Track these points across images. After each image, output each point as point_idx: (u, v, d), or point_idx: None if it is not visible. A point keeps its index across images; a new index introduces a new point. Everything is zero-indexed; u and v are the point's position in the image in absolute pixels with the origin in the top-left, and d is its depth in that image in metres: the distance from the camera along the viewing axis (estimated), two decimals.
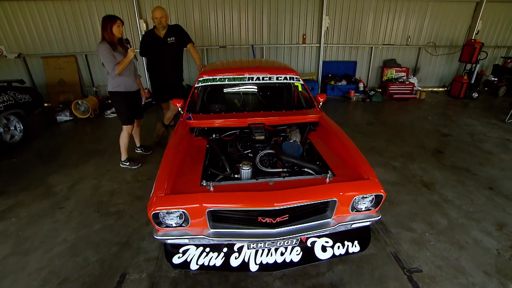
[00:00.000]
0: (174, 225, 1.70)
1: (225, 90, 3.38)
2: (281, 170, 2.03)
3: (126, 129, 3.42)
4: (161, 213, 1.63)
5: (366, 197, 1.83)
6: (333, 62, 7.15)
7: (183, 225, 1.70)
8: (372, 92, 6.70)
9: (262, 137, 2.36)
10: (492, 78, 7.42)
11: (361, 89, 6.94)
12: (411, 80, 7.12)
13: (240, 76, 2.91)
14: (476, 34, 7.27)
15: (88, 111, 5.60)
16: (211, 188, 1.69)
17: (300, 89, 3.12)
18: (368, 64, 7.38)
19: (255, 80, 2.92)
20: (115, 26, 3.00)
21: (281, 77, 2.99)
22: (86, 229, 2.52)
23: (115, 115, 5.73)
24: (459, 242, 2.36)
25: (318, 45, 6.87)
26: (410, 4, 6.86)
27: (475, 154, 4.02)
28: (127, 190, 3.12)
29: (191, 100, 2.95)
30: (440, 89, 7.91)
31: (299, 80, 3.07)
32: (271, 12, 6.46)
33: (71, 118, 5.55)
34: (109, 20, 2.99)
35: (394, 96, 6.88)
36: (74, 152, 4.14)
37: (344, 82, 6.93)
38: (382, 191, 1.79)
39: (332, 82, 6.90)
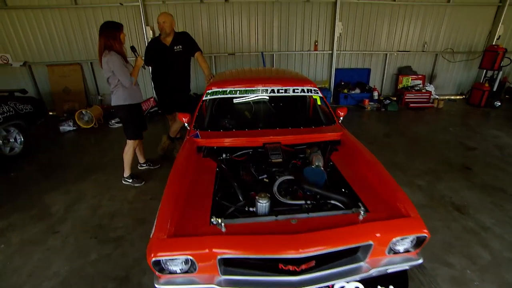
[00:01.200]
0: (178, 271, 1.42)
1: (235, 101, 3.13)
2: (303, 202, 1.74)
3: (132, 144, 3.19)
4: (163, 259, 1.36)
5: (406, 238, 1.53)
6: (346, 69, 6.87)
7: (189, 271, 1.43)
8: (387, 101, 6.37)
9: (280, 160, 2.08)
10: None
11: (376, 97, 6.63)
12: (427, 88, 6.78)
13: (253, 89, 2.66)
14: (497, 39, 6.91)
15: (92, 121, 5.41)
16: (223, 229, 1.41)
17: (319, 102, 2.85)
18: (382, 72, 7.07)
19: (269, 92, 2.67)
20: (122, 35, 2.80)
21: (297, 89, 2.73)
22: (81, 259, 2.26)
23: (120, 125, 5.54)
24: (509, 283, 2.03)
25: (330, 52, 6.60)
26: (427, 9, 6.55)
27: (508, 171, 3.66)
28: (129, 212, 2.86)
29: (198, 114, 2.69)
30: (458, 97, 7.53)
31: (317, 93, 2.81)
32: (282, 19, 6.24)
33: (74, 128, 5.37)
34: (116, 28, 2.76)
35: (411, 105, 6.53)
36: (75, 166, 3.92)
37: (357, 91, 6.62)
38: (425, 231, 1.50)
39: (345, 91, 6.59)
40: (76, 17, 5.91)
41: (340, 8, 6.13)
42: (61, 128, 5.29)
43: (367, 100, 6.42)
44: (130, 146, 3.22)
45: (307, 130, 2.50)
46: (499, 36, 6.92)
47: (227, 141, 2.31)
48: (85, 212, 2.88)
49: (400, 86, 6.93)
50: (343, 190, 1.93)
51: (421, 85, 6.88)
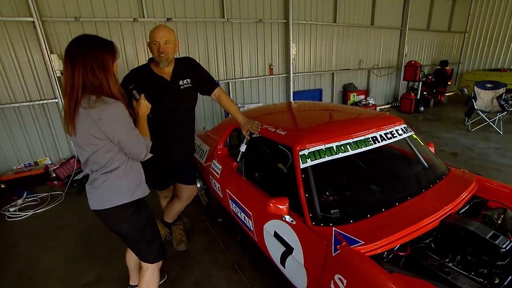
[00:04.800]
0: None
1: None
2: None
3: (156, 268, 1.65)
4: None
5: None
6: (301, 92, 6.59)
7: None
8: None
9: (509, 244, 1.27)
10: (424, 93, 8.43)
11: None
12: (370, 102, 7.28)
13: (361, 138, 1.76)
14: (404, 56, 8.18)
15: None
16: None
17: (421, 143, 2.20)
18: (331, 90, 7.19)
19: (381, 140, 1.83)
20: (116, 63, 1.36)
21: (397, 130, 2.01)
22: None
23: (25, 214, 3.33)
24: None
25: (286, 75, 6.19)
26: (359, 30, 7.09)
27: (502, 170, 3.97)
28: None
29: (307, 195, 1.51)
30: (386, 106, 8.49)
31: (411, 131, 2.18)
32: (234, 41, 5.40)
33: None
34: (107, 48, 1.31)
35: None
36: None
37: None
38: None
39: None
40: None
41: (293, 29, 5.82)
42: None
43: None
44: (155, 272, 1.65)
45: (449, 186, 1.80)
46: (406, 53, 8.23)
47: (405, 232, 1.32)
48: None
49: (349, 102, 7.19)
50: None
51: (364, 100, 7.33)
